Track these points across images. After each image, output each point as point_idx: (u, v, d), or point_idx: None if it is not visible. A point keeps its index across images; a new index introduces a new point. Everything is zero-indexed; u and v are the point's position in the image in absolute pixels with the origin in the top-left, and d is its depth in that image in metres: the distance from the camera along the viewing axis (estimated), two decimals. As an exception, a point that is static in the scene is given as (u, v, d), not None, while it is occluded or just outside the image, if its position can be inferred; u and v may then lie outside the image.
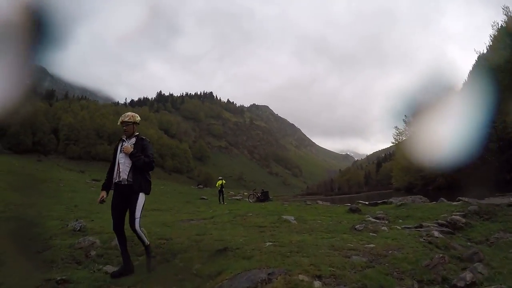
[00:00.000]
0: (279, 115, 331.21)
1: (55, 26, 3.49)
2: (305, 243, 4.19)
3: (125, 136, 3.71)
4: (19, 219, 7.17)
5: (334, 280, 2.77)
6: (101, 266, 3.74)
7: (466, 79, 41.71)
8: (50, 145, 70.28)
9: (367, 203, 10.41)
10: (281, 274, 2.86)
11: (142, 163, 3.53)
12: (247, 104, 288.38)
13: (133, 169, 3.53)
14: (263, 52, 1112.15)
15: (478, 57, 41.86)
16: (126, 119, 3.69)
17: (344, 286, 2.68)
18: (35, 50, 3.46)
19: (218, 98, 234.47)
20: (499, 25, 35.75)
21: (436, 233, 4.75)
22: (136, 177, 3.52)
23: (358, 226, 5.56)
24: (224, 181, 19.66)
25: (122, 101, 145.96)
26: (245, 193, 33.11)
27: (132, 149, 3.55)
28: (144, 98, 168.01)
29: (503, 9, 35.04)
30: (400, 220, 6.56)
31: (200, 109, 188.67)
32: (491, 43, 38.73)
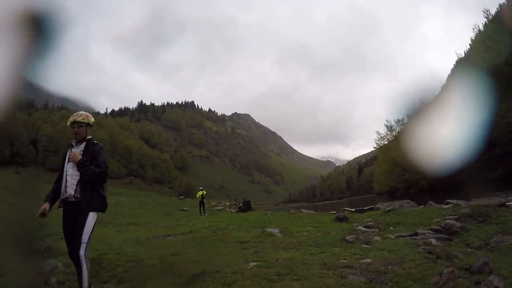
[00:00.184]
0: (260, 123, 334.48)
1: (42, 33, 2.98)
2: (293, 262, 3.71)
3: (75, 141, 2.97)
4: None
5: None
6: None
7: (445, 82, 43.44)
8: (28, 156, 68.19)
9: (353, 210, 10.07)
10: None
11: (91, 175, 2.78)
12: (228, 112, 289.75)
13: (81, 183, 2.79)
14: (245, 60, 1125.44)
15: (457, 60, 43.85)
16: (79, 119, 2.95)
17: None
18: (23, 60, 2.93)
19: (200, 107, 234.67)
20: (479, 28, 37.93)
21: (433, 241, 4.43)
22: (85, 193, 2.78)
23: (348, 237, 5.14)
24: (205, 192, 19.09)
25: (103, 111, 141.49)
26: (227, 203, 32.28)
27: (80, 157, 2.83)
28: (125, 107, 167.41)
29: (483, 12, 37.31)
30: (391, 228, 6.20)
31: (181, 119, 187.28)
32: (471, 45, 40.82)
